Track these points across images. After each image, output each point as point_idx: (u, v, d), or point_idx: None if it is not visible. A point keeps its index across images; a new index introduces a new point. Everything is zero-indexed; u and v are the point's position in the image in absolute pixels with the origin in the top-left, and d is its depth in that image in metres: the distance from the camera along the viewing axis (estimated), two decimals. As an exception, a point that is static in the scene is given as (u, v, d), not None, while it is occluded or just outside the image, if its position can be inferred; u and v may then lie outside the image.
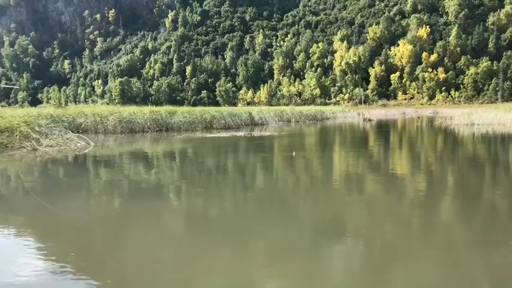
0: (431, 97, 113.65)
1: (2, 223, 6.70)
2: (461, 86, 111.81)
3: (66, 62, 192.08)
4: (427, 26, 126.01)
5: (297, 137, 27.30)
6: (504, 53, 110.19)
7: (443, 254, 5.18)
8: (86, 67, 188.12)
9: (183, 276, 4.54)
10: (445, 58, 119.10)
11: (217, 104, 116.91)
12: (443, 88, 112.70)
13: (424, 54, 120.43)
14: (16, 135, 17.60)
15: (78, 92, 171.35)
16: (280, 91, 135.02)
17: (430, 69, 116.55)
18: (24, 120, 18.82)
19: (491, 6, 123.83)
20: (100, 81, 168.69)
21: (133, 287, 4.34)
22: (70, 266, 4.76)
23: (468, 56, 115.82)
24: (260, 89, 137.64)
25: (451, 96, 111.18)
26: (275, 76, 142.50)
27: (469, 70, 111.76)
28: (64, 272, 4.59)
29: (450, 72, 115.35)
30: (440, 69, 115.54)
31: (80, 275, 4.50)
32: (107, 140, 22.83)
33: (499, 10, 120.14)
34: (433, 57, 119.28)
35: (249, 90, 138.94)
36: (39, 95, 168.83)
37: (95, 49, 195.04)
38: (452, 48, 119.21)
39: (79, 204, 8.20)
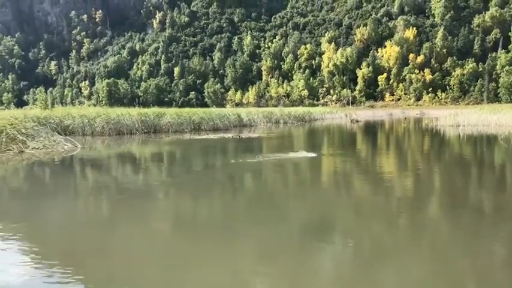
0: (418, 98, 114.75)
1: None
2: (448, 87, 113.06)
3: (53, 63, 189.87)
4: (414, 28, 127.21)
5: (285, 138, 27.41)
6: (489, 55, 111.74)
7: (430, 250, 5.30)
8: (73, 68, 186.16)
9: (171, 276, 4.57)
10: (432, 59, 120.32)
11: (205, 105, 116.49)
12: (430, 89, 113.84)
13: (411, 55, 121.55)
14: (2, 138, 17.41)
15: (65, 93, 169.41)
16: (268, 92, 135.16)
17: (417, 71, 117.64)
18: (10, 122, 18.62)
19: (477, 9, 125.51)
20: (87, 82, 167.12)
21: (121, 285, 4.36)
22: (57, 268, 4.76)
23: (454, 57, 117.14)
24: (248, 90, 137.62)
25: (438, 97, 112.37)
26: (263, 77, 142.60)
27: (455, 71, 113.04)
28: (51, 274, 4.59)
29: (437, 73, 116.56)
30: (427, 70, 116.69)
31: (66, 277, 4.51)
32: (95, 142, 22.69)
33: (484, 12, 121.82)
34: (420, 58, 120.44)
35: (237, 91, 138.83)
36: (25, 97, 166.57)
37: (81, 50, 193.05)
38: (438, 49, 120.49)
39: (66, 206, 8.17)
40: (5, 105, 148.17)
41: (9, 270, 4.72)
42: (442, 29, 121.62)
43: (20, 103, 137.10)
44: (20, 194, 9.76)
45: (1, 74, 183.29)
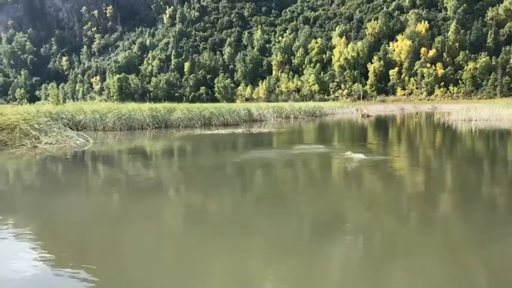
0: (430, 92, 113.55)
1: (2, 220, 6.76)
2: (460, 81, 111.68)
3: (64, 58, 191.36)
4: (426, 21, 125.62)
5: (295, 133, 27.37)
6: (503, 48, 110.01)
7: (442, 247, 5.27)
8: (84, 64, 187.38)
9: (182, 271, 4.60)
10: (444, 53, 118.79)
11: (215, 100, 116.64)
12: (442, 83, 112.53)
13: (423, 49, 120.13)
14: (16, 133, 17.63)
15: (76, 88, 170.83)
16: (278, 87, 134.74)
17: (428, 65, 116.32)
18: (23, 117, 18.84)
19: (490, 2, 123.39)
20: (98, 77, 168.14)
21: (133, 283, 4.40)
22: (68, 263, 4.83)
23: (467, 51, 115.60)
24: (259, 85, 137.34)
25: (450, 92, 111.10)
26: (273, 72, 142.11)
27: (467, 65, 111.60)
28: (63, 267, 4.66)
29: (449, 67, 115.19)
30: (439, 64, 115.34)
31: (78, 272, 4.57)
32: (106, 137, 22.87)
33: (497, 5, 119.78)
34: (432, 52, 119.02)
35: (247, 86, 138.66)
36: (37, 92, 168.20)
37: (92, 45, 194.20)
38: (450, 43, 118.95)
39: (78, 201, 8.26)
40: (18, 100, 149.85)
41: (20, 264, 4.79)
42: (454, 23, 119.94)
43: (32, 98, 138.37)
44: (33, 189, 9.90)
45: (14, 69, 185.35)
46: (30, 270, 4.64)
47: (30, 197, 8.92)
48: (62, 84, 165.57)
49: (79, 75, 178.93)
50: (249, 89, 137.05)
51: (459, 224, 6.46)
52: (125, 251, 5.38)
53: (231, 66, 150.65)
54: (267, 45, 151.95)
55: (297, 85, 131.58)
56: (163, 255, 5.19)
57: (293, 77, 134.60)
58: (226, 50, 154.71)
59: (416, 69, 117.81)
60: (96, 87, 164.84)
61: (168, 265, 4.87)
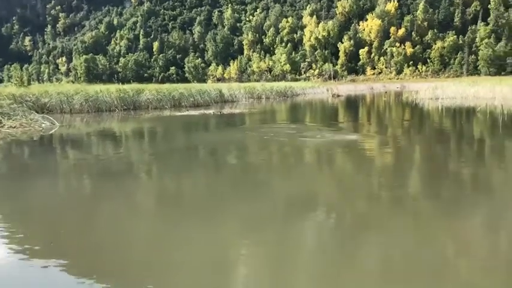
0: (399, 72, 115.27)
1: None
2: (429, 60, 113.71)
3: (27, 38, 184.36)
4: (395, 1, 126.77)
5: (268, 114, 27.37)
6: (469, 27, 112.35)
7: (412, 221, 5.40)
8: (49, 44, 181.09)
9: (157, 254, 4.56)
10: (413, 32, 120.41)
11: (186, 80, 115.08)
12: (410, 62, 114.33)
13: (392, 28, 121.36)
14: (-24, 117, 17.00)
15: (41, 70, 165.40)
16: (250, 67, 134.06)
17: (398, 44, 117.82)
18: (-16, 100, 18.16)
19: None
20: (64, 58, 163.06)
21: (109, 266, 4.34)
22: (38, 249, 4.71)
23: (435, 30, 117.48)
24: (230, 65, 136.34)
25: (419, 71, 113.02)
26: (245, 52, 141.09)
27: (435, 44, 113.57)
28: (33, 256, 4.55)
29: (417, 46, 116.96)
30: (408, 43, 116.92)
31: (49, 258, 4.47)
32: (74, 120, 22.31)
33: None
34: (401, 31, 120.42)
35: (218, 66, 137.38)
36: (0, 74, 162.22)
37: (57, 25, 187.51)
38: (419, 22, 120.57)
39: (47, 185, 8.05)
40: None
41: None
42: (423, 2, 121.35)
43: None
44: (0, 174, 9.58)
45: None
46: (2, 257, 4.50)
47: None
48: (25, 66, 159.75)
49: (44, 56, 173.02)
50: (220, 68, 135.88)
51: (427, 199, 6.63)
52: (97, 235, 5.29)
53: (202, 45, 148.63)
54: (238, 24, 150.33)
55: (269, 65, 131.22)
56: (138, 235, 5.14)
57: (265, 56, 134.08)
58: (196, 29, 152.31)
59: (386, 49, 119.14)
60: (63, 69, 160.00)
61: (143, 247, 4.82)
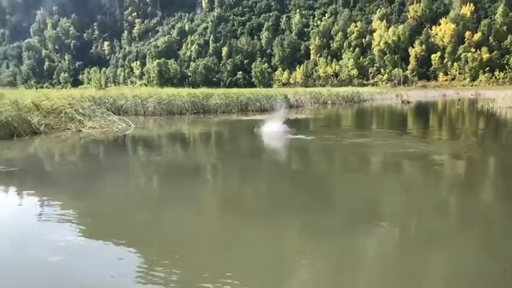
0: (474, 78, 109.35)
1: (48, 199, 7.18)
2: (507, 67, 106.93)
3: (106, 43, 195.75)
4: (471, 4, 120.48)
5: (332, 119, 27.17)
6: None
7: (483, 240, 5.24)
8: (125, 48, 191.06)
9: (219, 255, 4.79)
10: (490, 37, 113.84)
11: (252, 85, 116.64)
12: (486, 69, 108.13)
13: (467, 33, 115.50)
14: (61, 117, 18.41)
15: (117, 73, 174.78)
16: (316, 72, 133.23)
17: (473, 49, 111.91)
18: (68, 102, 19.62)
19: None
20: (138, 62, 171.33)
21: (173, 265, 4.62)
22: (110, 244, 5.08)
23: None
24: (296, 70, 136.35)
25: (495, 77, 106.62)
26: (311, 56, 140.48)
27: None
28: (104, 250, 4.93)
29: (495, 52, 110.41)
30: (484, 48, 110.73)
31: (119, 252, 4.83)
32: (147, 122, 23.47)
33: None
34: (477, 36, 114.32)
35: (284, 71, 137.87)
36: (80, 76, 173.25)
37: (133, 31, 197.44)
38: (498, 26, 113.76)
39: (121, 183, 8.63)
40: (62, 84, 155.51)
41: (63, 245, 5.06)
42: (502, 5, 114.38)
43: (76, 82, 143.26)
44: (78, 171, 10.39)
45: (58, 54, 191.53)
46: (71, 250, 4.90)
47: (77, 178, 9.38)
48: (103, 69, 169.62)
49: (120, 60, 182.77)
50: (286, 73, 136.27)
51: (501, 216, 6.36)
52: (163, 232, 5.61)
53: (269, 50, 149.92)
54: (305, 30, 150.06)
55: (335, 70, 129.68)
56: (201, 238, 5.40)
57: (331, 61, 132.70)
58: (264, 34, 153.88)
59: (460, 54, 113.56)
60: (137, 72, 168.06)
61: (206, 247, 5.07)
